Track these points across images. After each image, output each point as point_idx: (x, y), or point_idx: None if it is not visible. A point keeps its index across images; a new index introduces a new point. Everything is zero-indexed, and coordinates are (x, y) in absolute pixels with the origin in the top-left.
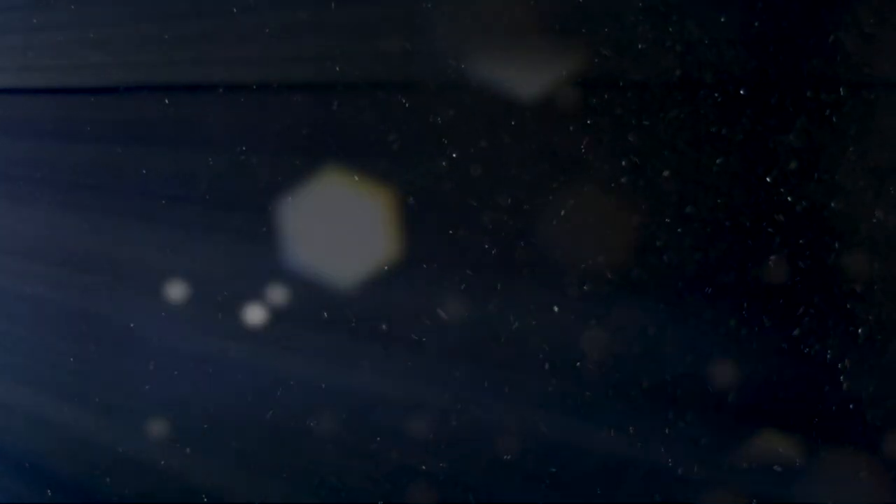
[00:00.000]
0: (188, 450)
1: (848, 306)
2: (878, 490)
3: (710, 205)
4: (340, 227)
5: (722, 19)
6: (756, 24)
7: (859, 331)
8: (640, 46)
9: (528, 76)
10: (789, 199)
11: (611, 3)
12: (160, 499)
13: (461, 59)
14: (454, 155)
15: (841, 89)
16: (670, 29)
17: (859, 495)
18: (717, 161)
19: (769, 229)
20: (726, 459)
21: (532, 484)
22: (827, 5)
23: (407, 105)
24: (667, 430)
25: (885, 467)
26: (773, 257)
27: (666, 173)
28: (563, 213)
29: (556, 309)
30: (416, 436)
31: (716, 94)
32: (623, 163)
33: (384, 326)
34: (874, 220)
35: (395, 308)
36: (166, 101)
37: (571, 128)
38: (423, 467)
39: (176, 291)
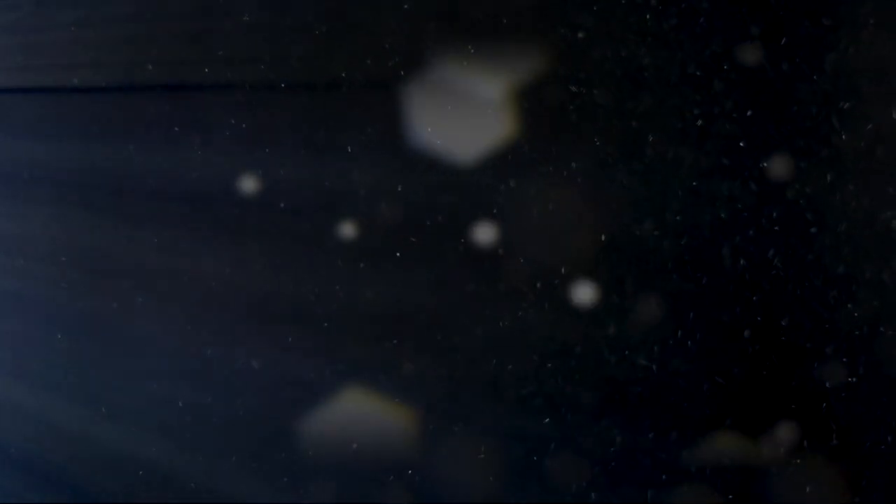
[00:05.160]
0: (188, 448)
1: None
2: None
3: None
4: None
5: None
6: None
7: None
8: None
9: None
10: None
11: None
12: (159, 498)
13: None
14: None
15: None
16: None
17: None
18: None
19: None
20: (711, 457)
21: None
22: None
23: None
24: (654, 429)
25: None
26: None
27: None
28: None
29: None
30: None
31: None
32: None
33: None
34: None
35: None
36: (166, 101)
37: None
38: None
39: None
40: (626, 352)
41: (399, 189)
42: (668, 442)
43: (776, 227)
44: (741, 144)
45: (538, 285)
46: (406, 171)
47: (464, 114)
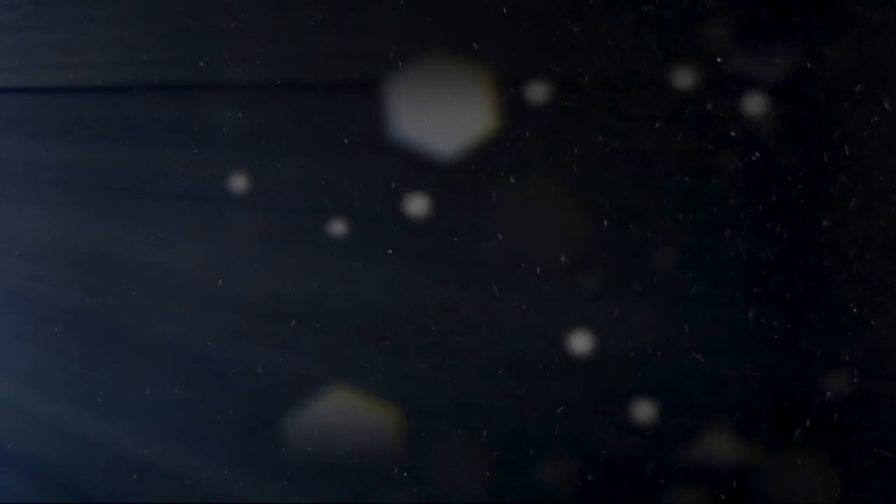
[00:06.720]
0: (186, 448)
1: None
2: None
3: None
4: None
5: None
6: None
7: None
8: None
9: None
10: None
11: None
12: (158, 498)
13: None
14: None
15: None
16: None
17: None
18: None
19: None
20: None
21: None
22: None
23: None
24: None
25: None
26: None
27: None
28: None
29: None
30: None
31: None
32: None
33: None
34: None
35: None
36: (165, 101)
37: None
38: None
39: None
40: (625, 348)
41: (396, 187)
42: (666, 441)
43: (771, 225)
44: (733, 135)
45: (536, 282)
46: (404, 170)
47: (463, 112)
